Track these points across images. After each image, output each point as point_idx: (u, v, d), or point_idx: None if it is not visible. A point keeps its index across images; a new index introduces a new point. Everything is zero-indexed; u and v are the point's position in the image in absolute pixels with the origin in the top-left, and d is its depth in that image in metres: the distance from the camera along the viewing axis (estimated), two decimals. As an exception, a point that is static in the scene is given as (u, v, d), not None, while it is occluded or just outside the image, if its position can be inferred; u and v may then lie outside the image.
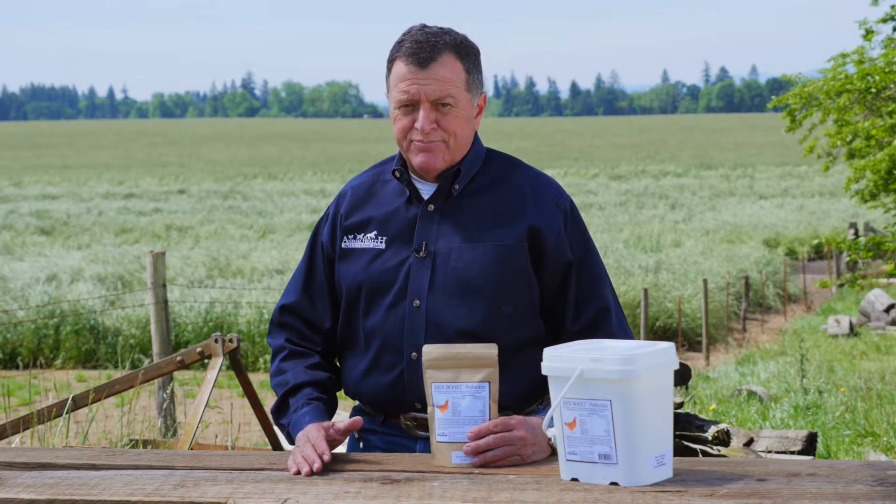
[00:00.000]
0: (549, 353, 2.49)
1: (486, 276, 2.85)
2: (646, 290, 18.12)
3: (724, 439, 6.82)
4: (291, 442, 2.87)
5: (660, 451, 2.44)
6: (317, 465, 2.60)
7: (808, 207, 43.54)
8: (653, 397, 2.43)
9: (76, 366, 17.54)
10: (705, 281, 19.88)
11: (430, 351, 2.68)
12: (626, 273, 23.23)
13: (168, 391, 8.40)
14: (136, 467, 2.67)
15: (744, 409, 11.30)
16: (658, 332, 20.58)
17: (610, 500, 2.33)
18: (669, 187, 55.86)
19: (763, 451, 7.76)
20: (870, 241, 15.51)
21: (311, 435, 2.72)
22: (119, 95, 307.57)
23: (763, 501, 2.27)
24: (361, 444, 3.00)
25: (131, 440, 6.34)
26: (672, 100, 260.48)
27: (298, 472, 2.60)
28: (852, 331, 19.32)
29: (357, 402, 3.06)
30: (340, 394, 3.06)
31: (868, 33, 15.38)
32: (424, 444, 2.86)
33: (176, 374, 10.28)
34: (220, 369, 5.78)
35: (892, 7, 15.41)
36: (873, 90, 15.04)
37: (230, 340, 5.85)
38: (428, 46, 2.85)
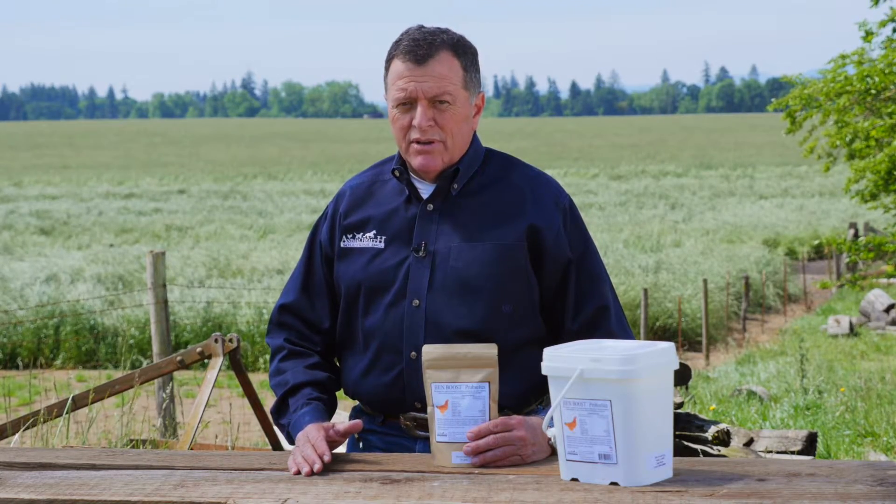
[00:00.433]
0: (549, 353, 2.49)
1: (485, 276, 2.85)
2: (646, 290, 18.12)
3: (724, 439, 6.83)
4: (291, 442, 2.87)
5: (660, 451, 2.44)
6: (317, 466, 2.60)
7: (808, 207, 43.55)
8: (653, 397, 2.43)
9: (76, 366, 17.55)
10: (705, 281, 19.88)
11: (429, 351, 2.68)
12: (626, 273, 23.23)
13: (168, 391, 8.40)
14: (136, 467, 2.67)
15: (744, 409, 11.30)
16: (658, 332, 20.58)
17: (610, 500, 2.33)
18: (669, 187, 55.86)
19: (763, 451, 7.76)
20: (870, 242, 15.51)
21: (312, 435, 2.72)
22: (119, 95, 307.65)
23: (763, 501, 2.27)
24: (361, 445, 3.00)
25: (131, 440, 6.34)
26: (672, 100, 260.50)
27: (298, 473, 2.60)
28: (852, 331, 19.33)
29: (357, 402, 3.06)
30: (340, 393, 3.06)
31: (868, 35, 15.38)
32: (424, 445, 2.86)
33: (176, 374, 10.28)
34: (220, 369, 5.78)
35: (892, 9, 15.41)
36: (873, 91, 15.05)
37: (230, 340, 5.85)
38: (425, 44, 2.86)
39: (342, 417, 7.75)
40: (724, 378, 14.96)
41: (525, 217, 2.89)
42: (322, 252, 3.03)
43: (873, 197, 16.20)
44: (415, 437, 2.90)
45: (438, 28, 2.92)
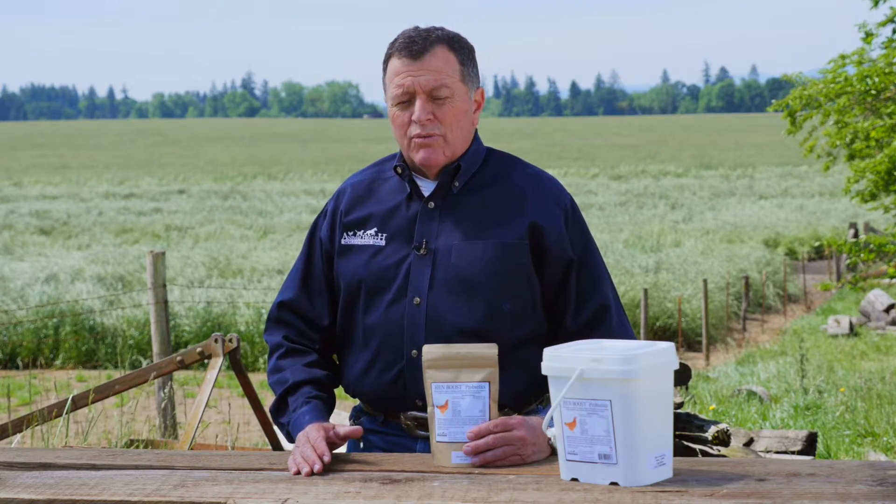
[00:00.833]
0: (549, 353, 2.49)
1: (486, 274, 2.85)
2: (646, 290, 18.12)
3: (724, 439, 6.82)
4: (291, 440, 2.87)
5: (660, 451, 2.44)
6: (317, 467, 2.60)
7: (808, 207, 43.55)
8: (653, 397, 2.43)
9: (76, 366, 17.54)
10: (705, 281, 19.88)
11: (429, 351, 2.68)
12: (626, 273, 23.23)
13: (168, 391, 8.40)
14: (136, 467, 2.67)
15: (744, 409, 11.30)
16: (658, 332, 20.58)
17: (610, 500, 2.33)
18: (669, 187, 55.86)
19: (763, 451, 7.76)
20: (870, 242, 15.51)
21: (312, 436, 2.72)
22: (119, 95, 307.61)
23: (763, 501, 2.27)
24: (362, 445, 3.00)
25: (131, 440, 6.34)
26: (672, 100, 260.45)
27: (298, 473, 2.60)
28: (852, 331, 19.33)
29: (357, 402, 3.06)
30: (340, 392, 3.06)
31: (868, 36, 15.38)
32: (425, 444, 2.86)
33: (176, 374, 10.28)
34: (220, 369, 5.78)
35: (892, 9, 15.40)
36: (873, 91, 15.05)
37: (230, 340, 5.85)
38: (420, 40, 2.88)
39: (342, 417, 7.77)
40: (724, 378, 14.96)
41: (526, 216, 2.89)
42: (322, 249, 3.02)
43: (873, 197, 16.20)
44: (415, 437, 2.90)
45: (433, 26, 2.94)
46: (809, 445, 7.95)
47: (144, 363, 14.71)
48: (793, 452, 7.82)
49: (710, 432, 6.79)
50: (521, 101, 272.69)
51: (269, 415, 6.48)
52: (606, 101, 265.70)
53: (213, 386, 5.79)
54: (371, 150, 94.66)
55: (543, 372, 2.49)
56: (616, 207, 44.79)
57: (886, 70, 14.92)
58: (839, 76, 15.55)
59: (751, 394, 12.26)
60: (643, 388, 2.40)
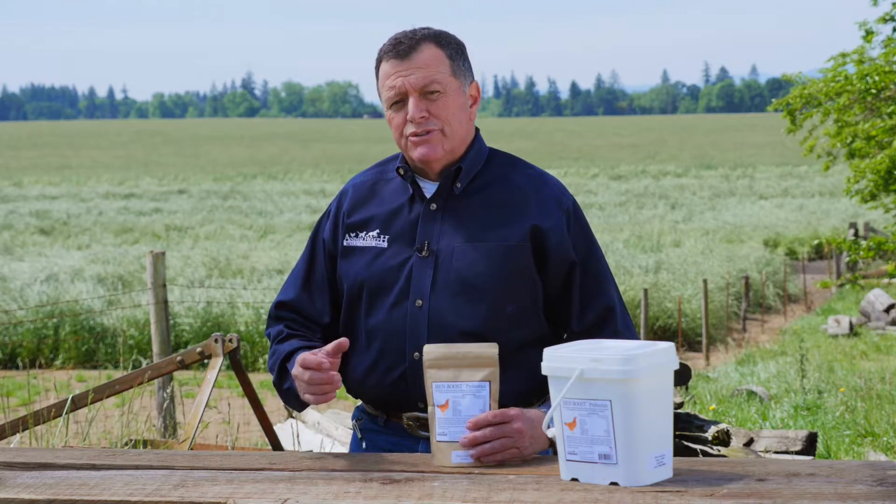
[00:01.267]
0: (549, 353, 2.49)
1: (488, 276, 2.85)
2: (646, 290, 18.13)
3: (724, 439, 6.83)
4: (293, 401, 2.90)
5: (660, 451, 2.44)
6: (337, 379, 2.68)
7: (808, 207, 43.56)
8: (653, 397, 2.43)
9: (76, 366, 17.54)
10: (705, 281, 19.88)
11: (430, 350, 2.68)
12: (626, 273, 23.24)
13: (168, 391, 8.40)
14: (136, 467, 2.67)
15: (744, 409, 11.30)
16: (658, 332, 20.59)
17: (610, 500, 2.33)
18: (669, 187, 55.87)
19: (763, 451, 7.76)
20: (871, 241, 15.52)
21: (307, 360, 2.72)
22: (119, 95, 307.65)
23: (763, 501, 2.27)
24: (364, 444, 3.00)
25: (131, 440, 6.35)
26: (672, 100, 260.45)
27: (329, 397, 2.69)
28: (852, 331, 19.32)
29: (359, 402, 3.06)
30: (341, 393, 3.06)
31: (868, 34, 15.38)
32: (426, 445, 2.86)
33: (176, 374, 10.28)
34: (219, 369, 5.78)
35: (893, 6, 15.40)
36: (873, 91, 15.04)
37: (230, 340, 5.85)
38: (406, 40, 2.88)
39: (342, 417, 7.75)
40: (724, 378, 14.96)
41: (529, 217, 2.89)
42: (325, 249, 3.02)
43: (873, 197, 16.20)
44: (417, 438, 2.90)
45: (420, 27, 2.94)
46: (809, 445, 7.95)
47: (144, 363, 14.71)
48: (793, 452, 7.82)
49: (710, 432, 6.80)
50: (521, 101, 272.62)
51: (269, 415, 6.48)
52: (606, 101, 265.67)
53: (213, 386, 5.79)
54: (371, 150, 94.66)
55: (543, 372, 2.49)
56: (616, 207, 44.80)
57: (886, 69, 14.92)
58: (839, 75, 15.56)
59: (751, 394, 12.26)
60: (643, 388, 2.40)
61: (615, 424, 2.40)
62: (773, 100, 16.86)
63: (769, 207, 43.96)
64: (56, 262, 24.92)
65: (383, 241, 2.93)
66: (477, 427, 2.61)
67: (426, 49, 2.87)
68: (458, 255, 2.87)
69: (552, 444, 2.67)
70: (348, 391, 3.04)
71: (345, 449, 6.69)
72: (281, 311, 3.04)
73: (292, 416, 7.69)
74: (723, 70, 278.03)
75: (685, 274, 23.84)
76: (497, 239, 2.87)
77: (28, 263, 24.84)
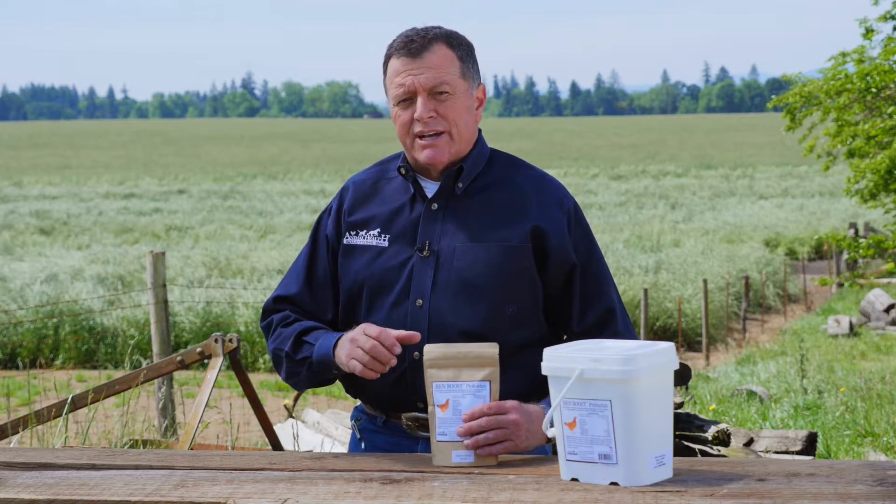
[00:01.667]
0: (548, 353, 2.49)
1: (489, 277, 2.85)
2: (646, 290, 18.12)
3: (724, 439, 6.83)
4: (313, 378, 2.87)
5: (660, 451, 2.44)
6: (393, 361, 2.69)
7: (808, 207, 43.55)
8: (653, 397, 2.43)
9: (76, 366, 17.54)
10: (705, 281, 19.88)
11: (430, 350, 2.68)
12: (626, 273, 23.24)
13: (168, 391, 8.40)
14: (136, 467, 2.67)
15: (744, 409, 11.30)
16: (658, 332, 20.58)
17: (610, 500, 2.33)
18: (669, 187, 55.87)
19: (763, 451, 7.76)
20: (871, 240, 15.52)
21: (371, 331, 2.71)
22: (119, 95, 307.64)
23: (763, 501, 2.27)
24: (363, 445, 3.00)
25: (131, 440, 6.35)
26: (672, 100, 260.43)
27: (374, 373, 2.69)
28: (852, 331, 19.32)
29: (358, 402, 3.06)
30: (341, 393, 3.05)
31: (868, 32, 15.37)
32: (426, 445, 2.86)
33: (176, 374, 10.28)
34: (219, 369, 5.78)
35: (894, 4, 15.40)
36: (873, 90, 15.04)
37: (230, 340, 5.85)
38: (418, 38, 2.87)
39: (342, 416, 7.75)
40: (724, 378, 14.96)
41: (530, 218, 2.89)
42: (328, 245, 3.00)
43: (873, 196, 16.20)
44: (417, 438, 2.90)
45: (431, 25, 2.94)
46: (809, 445, 7.95)
47: (144, 363, 14.71)
48: (793, 452, 7.82)
49: (710, 432, 6.79)
50: (521, 101, 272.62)
51: (269, 415, 6.48)
52: (606, 101, 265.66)
53: (213, 386, 5.79)
54: (371, 150, 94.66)
55: (543, 372, 2.49)
56: (616, 207, 44.80)
57: (886, 68, 14.91)
58: (839, 74, 15.55)
59: (751, 394, 12.26)
60: (643, 388, 2.40)
61: (615, 424, 2.40)
62: (773, 96, 16.86)
63: (769, 207, 43.96)
64: (56, 262, 24.91)
65: (384, 240, 2.93)
66: (473, 418, 2.62)
67: (438, 49, 2.87)
68: (459, 255, 2.87)
69: (549, 441, 2.68)
70: (347, 391, 3.03)
71: (344, 449, 6.68)
72: (281, 304, 3.02)
73: (292, 416, 7.69)
74: (723, 70, 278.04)
75: (685, 274, 23.83)
76: (498, 239, 2.87)
77: (28, 263, 24.83)
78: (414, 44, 2.86)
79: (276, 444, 6.28)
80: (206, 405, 5.74)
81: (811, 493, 2.31)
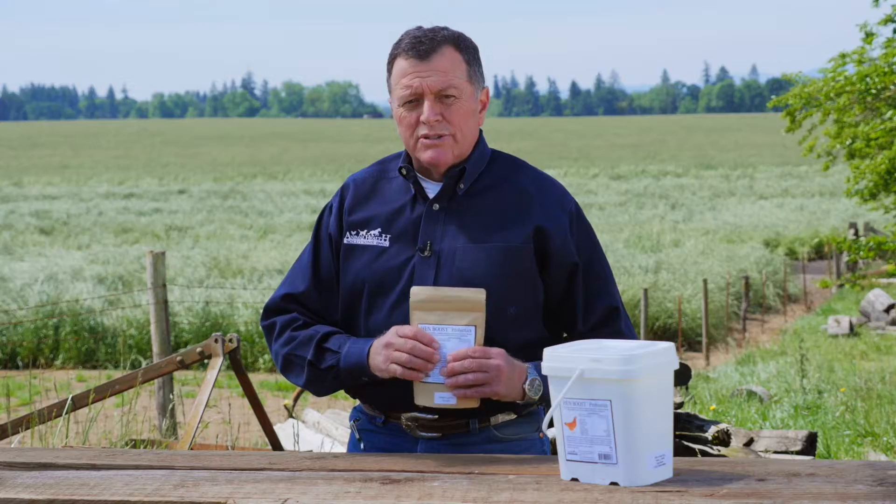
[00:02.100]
0: (549, 353, 2.49)
1: (490, 277, 2.84)
2: (646, 290, 18.12)
3: (724, 439, 6.83)
4: (340, 382, 2.87)
5: (660, 451, 2.44)
6: (426, 369, 2.71)
7: (808, 207, 43.55)
8: (653, 397, 2.43)
9: (76, 366, 17.53)
10: (705, 281, 19.88)
11: (417, 292, 2.74)
12: (626, 273, 23.24)
13: (168, 391, 8.40)
14: (136, 467, 2.67)
15: (744, 409, 11.30)
16: (658, 332, 20.58)
17: (610, 500, 2.33)
18: (669, 187, 55.87)
19: (763, 451, 7.76)
20: (871, 241, 15.52)
21: (405, 331, 2.74)
22: (119, 95, 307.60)
23: (763, 501, 2.27)
24: (362, 445, 3.00)
25: (131, 440, 6.35)
26: (672, 100, 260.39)
27: (412, 371, 2.71)
28: (852, 331, 19.32)
29: (357, 402, 3.05)
30: (341, 393, 3.05)
31: (868, 36, 15.37)
32: (425, 445, 2.86)
33: (176, 374, 10.28)
34: (220, 369, 5.79)
35: (893, 7, 15.40)
36: (873, 91, 15.04)
37: (230, 340, 5.86)
38: (427, 40, 2.86)
39: (342, 417, 7.75)
40: (724, 378, 14.96)
41: (532, 219, 2.88)
42: (332, 243, 2.99)
43: (873, 197, 16.20)
44: (416, 438, 2.90)
45: (437, 26, 2.93)
46: (809, 445, 7.95)
47: (144, 363, 14.71)
48: (793, 452, 7.82)
49: (710, 432, 6.80)
50: (521, 101, 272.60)
51: (268, 415, 6.47)
52: (606, 101, 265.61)
53: (213, 386, 5.79)
54: (371, 150, 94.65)
55: (543, 372, 2.49)
56: (616, 207, 44.80)
57: (886, 69, 14.91)
58: (839, 75, 15.55)
59: (751, 394, 12.26)
60: (643, 388, 2.40)
61: (615, 424, 2.40)
62: (773, 96, 16.86)
63: (769, 207, 43.96)
64: (56, 262, 24.91)
65: (385, 240, 2.92)
66: (457, 359, 2.69)
67: (446, 52, 2.86)
68: (461, 256, 2.87)
69: (525, 398, 2.75)
70: (346, 391, 3.03)
71: (344, 449, 6.68)
72: (289, 303, 2.99)
73: (292, 416, 7.69)
74: (723, 70, 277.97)
75: (685, 274, 23.83)
76: (500, 240, 2.87)
77: (28, 263, 24.83)
78: (423, 45, 2.85)
79: (276, 444, 6.29)
80: (206, 405, 5.74)
81: (811, 493, 2.31)
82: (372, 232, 2.94)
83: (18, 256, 27.80)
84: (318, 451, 6.09)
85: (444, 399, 2.71)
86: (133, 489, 2.48)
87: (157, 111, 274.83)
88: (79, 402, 5.55)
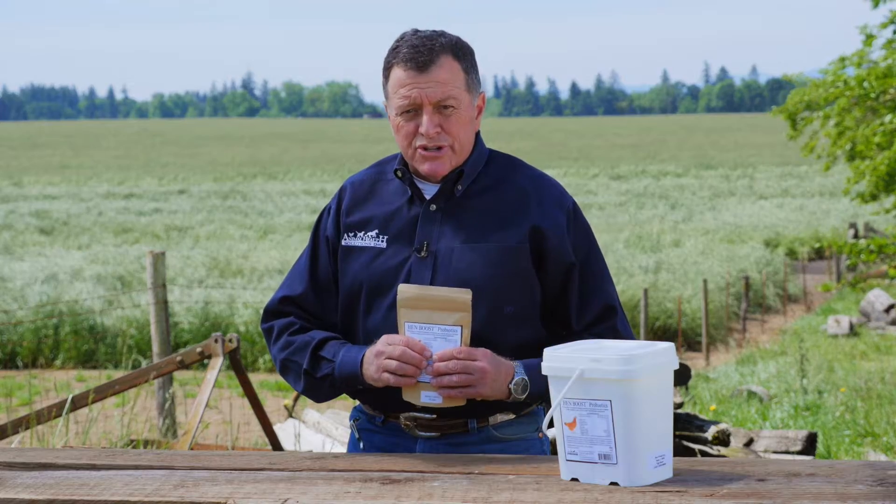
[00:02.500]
0: (548, 353, 2.49)
1: (487, 277, 2.84)
2: (646, 290, 18.12)
3: (724, 439, 6.83)
4: (335, 390, 2.88)
5: (660, 451, 2.44)
6: (417, 374, 2.72)
7: (808, 207, 43.55)
8: (653, 397, 2.43)
9: (76, 366, 17.54)
10: (705, 281, 19.87)
11: (405, 290, 2.75)
12: (626, 273, 23.24)
13: (168, 391, 8.40)
14: (136, 467, 2.67)
15: (744, 409, 11.30)
16: (658, 332, 20.58)
17: (610, 500, 2.33)
18: (669, 187, 55.88)
19: (763, 452, 7.76)
20: (871, 244, 15.52)
21: (396, 338, 2.75)
22: (119, 95, 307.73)
23: (763, 501, 2.27)
24: (362, 445, 3.00)
25: (131, 440, 6.35)
26: (672, 100, 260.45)
27: (409, 379, 2.72)
28: (852, 331, 19.33)
29: (357, 402, 3.05)
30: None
31: (868, 38, 15.37)
32: (424, 444, 2.87)
33: (176, 374, 10.28)
34: (220, 369, 5.79)
35: (893, 11, 15.40)
36: (872, 95, 15.04)
37: (230, 340, 5.86)
38: (425, 50, 2.84)
39: (342, 416, 7.75)
40: (724, 378, 14.96)
41: (528, 219, 2.88)
42: (329, 245, 3.00)
43: (873, 198, 16.21)
44: (415, 437, 2.90)
45: (434, 31, 2.90)
46: (809, 445, 7.95)
47: (144, 363, 14.71)
48: (793, 452, 7.83)
49: (710, 432, 6.80)
50: (521, 101, 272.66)
51: (268, 415, 6.47)
52: (606, 101, 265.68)
53: (213, 386, 5.79)
54: (371, 150, 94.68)
55: (543, 372, 2.49)
56: (616, 207, 44.81)
57: (885, 72, 14.91)
58: (838, 79, 15.56)
59: (751, 394, 12.26)
60: (643, 388, 2.40)
61: (615, 424, 2.40)
62: (773, 106, 16.90)
63: (769, 207, 43.96)
64: (56, 262, 24.91)
65: (382, 241, 2.92)
66: (442, 359, 2.70)
67: (445, 62, 2.85)
68: (458, 256, 2.87)
69: (510, 397, 2.75)
70: (346, 393, 3.03)
71: (344, 449, 6.68)
72: (287, 306, 2.99)
73: (292, 416, 7.69)
74: (723, 70, 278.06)
75: (685, 274, 23.83)
76: (496, 240, 2.87)
77: (28, 263, 24.82)
78: (421, 56, 2.83)
79: (276, 444, 6.29)
80: (206, 405, 5.74)
81: (811, 493, 2.31)
82: (369, 233, 2.94)
83: (18, 256, 27.80)
84: (318, 451, 6.09)
85: (430, 398, 2.73)
86: (133, 489, 2.48)
87: (157, 111, 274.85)
88: (79, 402, 5.55)
